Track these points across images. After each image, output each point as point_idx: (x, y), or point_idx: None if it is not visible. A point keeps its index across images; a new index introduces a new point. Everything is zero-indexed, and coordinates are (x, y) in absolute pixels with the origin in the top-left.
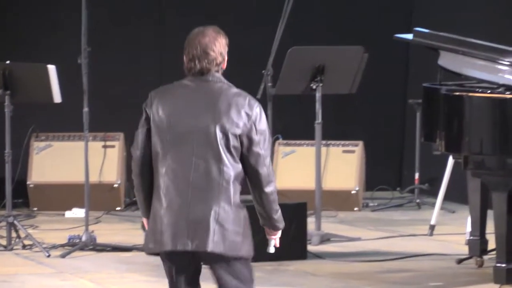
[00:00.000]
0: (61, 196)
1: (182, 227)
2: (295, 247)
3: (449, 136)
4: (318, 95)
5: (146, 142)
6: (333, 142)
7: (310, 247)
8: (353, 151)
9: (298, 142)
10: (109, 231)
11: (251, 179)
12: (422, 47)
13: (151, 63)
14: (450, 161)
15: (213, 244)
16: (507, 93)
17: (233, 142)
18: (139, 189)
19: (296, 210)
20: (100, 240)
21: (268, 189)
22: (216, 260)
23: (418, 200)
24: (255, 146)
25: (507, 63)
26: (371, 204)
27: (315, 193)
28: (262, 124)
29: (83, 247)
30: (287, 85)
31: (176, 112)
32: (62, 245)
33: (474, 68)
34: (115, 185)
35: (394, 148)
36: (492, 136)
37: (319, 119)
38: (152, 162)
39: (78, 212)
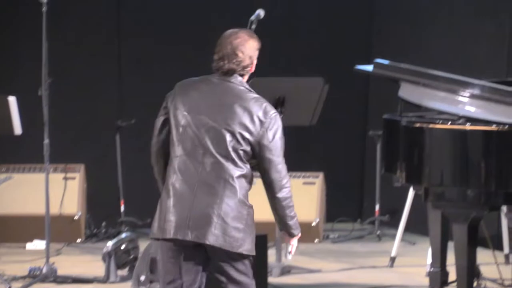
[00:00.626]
0: (22, 228)
1: (185, 218)
2: (255, 279)
3: (410, 167)
4: None
5: (161, 131)
6: (293, 173)
7: (271, 279)
8: (313, 183)
9: (258, 173)
10: (69, 263)
11: (265, 184)
12: (382, 78)
13: (111, 95)
14: (411, 192)
15: (213, 237)
16: (467, 124)
17: (242, 145)
18: (157, 176)
19: (257, 242)
20: (60, 272)
21: (280, 194)
22: (219, 255)
23: (378, 232)
24: (267, 153)
25: (468, 94)
26: (331, 236)
27: (275, 225)
28: (276, 131)
29: (44, 279)
30: None
31: (194, 107)
32: (23, 277)
33: (434, 99)
34: (76, 217)
35: (354, 179)
36: (453, 167)
37: None
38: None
39: (39, 244)
